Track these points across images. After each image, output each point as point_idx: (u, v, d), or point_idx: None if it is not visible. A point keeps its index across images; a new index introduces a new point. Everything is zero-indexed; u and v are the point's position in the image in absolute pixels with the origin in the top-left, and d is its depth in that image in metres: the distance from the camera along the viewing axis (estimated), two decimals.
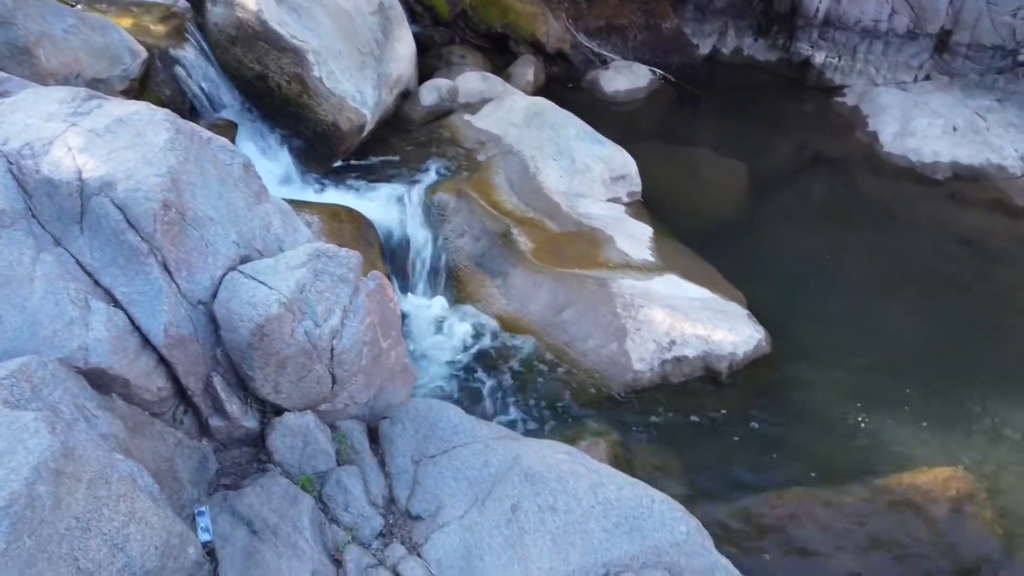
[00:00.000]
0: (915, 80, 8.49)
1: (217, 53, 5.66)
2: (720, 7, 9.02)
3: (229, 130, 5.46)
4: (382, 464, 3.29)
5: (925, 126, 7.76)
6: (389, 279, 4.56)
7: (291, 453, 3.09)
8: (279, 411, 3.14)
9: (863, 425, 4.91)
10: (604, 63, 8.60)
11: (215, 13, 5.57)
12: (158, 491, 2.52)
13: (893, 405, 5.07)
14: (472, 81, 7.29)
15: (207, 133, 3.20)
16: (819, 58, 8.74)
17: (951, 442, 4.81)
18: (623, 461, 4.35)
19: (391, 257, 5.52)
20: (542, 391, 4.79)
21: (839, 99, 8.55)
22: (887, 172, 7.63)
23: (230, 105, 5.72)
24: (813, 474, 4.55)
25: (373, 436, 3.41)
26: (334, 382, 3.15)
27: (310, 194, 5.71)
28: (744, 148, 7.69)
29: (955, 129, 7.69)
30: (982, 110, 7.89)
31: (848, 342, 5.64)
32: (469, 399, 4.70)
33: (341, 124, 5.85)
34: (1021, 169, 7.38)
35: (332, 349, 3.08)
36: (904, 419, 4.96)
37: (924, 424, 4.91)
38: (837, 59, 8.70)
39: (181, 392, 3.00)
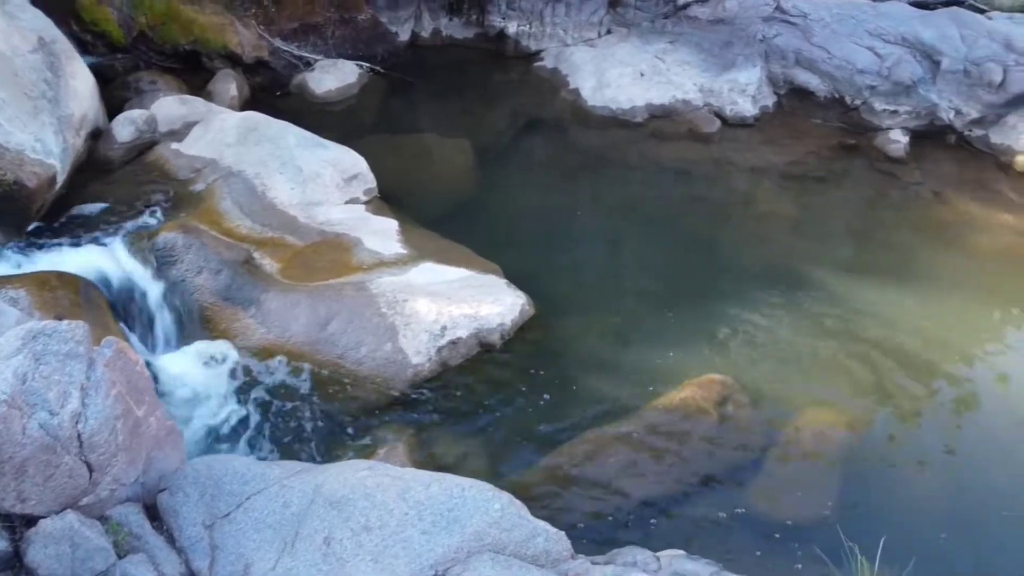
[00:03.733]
0: (599, 36, 9.20)
1: None
2: None
3: None
4: (171, 541, 2.99)
5: (617, 76, 8.45)
6: (127, 340, 4.13)
7: (59, 563, 2.70)
8: (32, 521, 2.73)
9: (632, 357, 5.31)
10: (308, 65, 8.37)
11: None
12: None
13: (654, 332, 5.52)
14: (170, 106, 6.75)
15: None
16: (512, 28, 9.16)
17: (709, 353, 5.35)
18: (425, 457, 4.34)
19: (126, 315, 5.00)
20: (326, 411, 4.63)
21: (539, 64, 9.04)
22: (595, 124, 8.23)
23: None
24: (601, 414, 4.85)
25: (154, 514, 3.09)
26: (91, 471, 2.79)
27: (7, 268, 4.99)
28: (465, 125, 7.90)
29: (642, 75, 8.47)
30: (660, 53, 8.75)
31: (602, 284, 6.06)
32: (251, 443, 4.41)
33: (26, 181, 5.15)
34: (701, 100, 8.30)
35: (79, 435, 2.72)
36: (666, 342, 5.43)
37: (684, 342, 5.41)
38: (529, 27, 9.18)
39: None
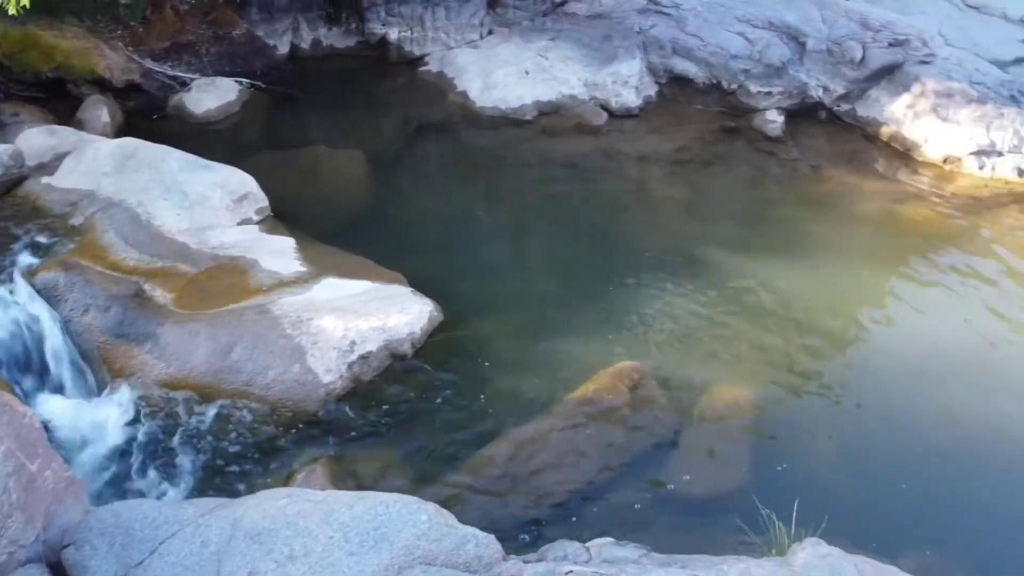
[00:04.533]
0: (481, 37, 9.24)
1: None
2: (283, 3, 8.91)
3: None
4: None
5: (503, 76, 8.51)
6: (14, 392, 3.87)
7: None
8: None
9: (544, 352, 5.36)
10: (184, 85, 8.06)
11: None
12: None
13: (562, 325, 5.60)
14: (37, 138, 6.37)
15: None
16: (394, 34, 9.09)
17: (618, 340, 5.46)
18: (347, 477, 4.26)
19: (11, 364, 4.68)
20: (238, 442, 4.47)
21: (423, 68, 9.00)
22: (485, 124, 8.26)
23: None
24: (518, 413, 4.87)
25: (60, 571, 2.91)
26: None
27: None
28: (354, 135, 7.79)
29: (527, 73, 8.55)
30: (543, 51, 8.86)
31: (507, 283, 6.10)
32: (161, 484, 4.22)
33: None
34: (587, 94, 8.46)
35: None
36: (576, 334, 5.51)
37: (593, 333, 5.51)
38: (410, 32, 9.13)
39: None
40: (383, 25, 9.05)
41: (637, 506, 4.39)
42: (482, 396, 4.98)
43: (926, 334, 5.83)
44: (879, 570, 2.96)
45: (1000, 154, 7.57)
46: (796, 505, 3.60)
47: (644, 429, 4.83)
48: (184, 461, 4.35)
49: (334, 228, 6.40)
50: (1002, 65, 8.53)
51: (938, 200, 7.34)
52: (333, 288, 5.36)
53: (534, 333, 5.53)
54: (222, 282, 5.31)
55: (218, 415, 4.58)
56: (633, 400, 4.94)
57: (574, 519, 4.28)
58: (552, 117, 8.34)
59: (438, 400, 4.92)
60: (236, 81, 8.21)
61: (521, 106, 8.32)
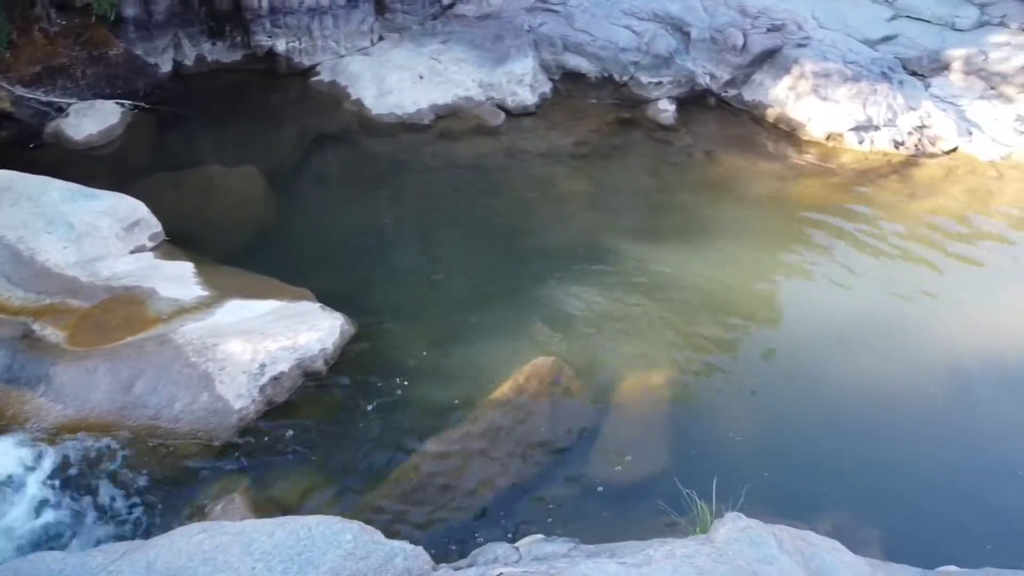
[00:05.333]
0: (372, 43, 9.13)
1: None
2: (161, 20, 8.57)
3: None
4: None
5: (397, 81, 8.44)
6: None
7: None
8: None
9: (461, 355, 5.35)
10: (61, 111, 7.67)
11: None
12: None
13: (478, 326, 5.60)
14: None
15: None
16: (281, 46, 8.88)
17: (533, 337, 5.50)
18: (267, 503, 4.13)
19: None
20: (148, 479, 4.28)
21: (315, 78, 8.83)
22: (384, 131, 8.17)
23: None
24: (439, 419, 4.84)
25: None
26: None
27: None
28: (249, 151, 7.57)
29: (421, 77, 8.51)
30: (435, 54, 8.83)
31: (418, 289, 6.05)
32: (69, 534, 3.99)
33: None
34: (483, 95, 8.47)
35: None
36: (491, 334, 5.52)
37: (508, 331, 5.54)
38: (298, 42, 8.93)
39: None
40: (269, 37, 8.84)
41: (564, 500, 4.43)
42: (401, 406, 4.93)
43: (826, 305, 6.10)
44: (796, 536, 3.06)
45: (877, 128, 7.99)
46: (715, 482, 3.71)
47: (565, 422, 4.88)
48: (89, 506, 4.13)
49: (235, 249, 6.21)
50: (872, 44, 8.99)
51: (825, 175, 7.68)
52: (238, 310, 5.20)
53: (449, 337, 5.51)
54: (118, 314, 5.08)
55: (125, 453, 4.37)
56: (552, 395, 4.99)
57: (503, 520, 4.29)
58: (450, 120, 8.32)
59: (357, 415, 4.84)
60: (117, 103, 7.87)
61: (418, 111, 8.27)
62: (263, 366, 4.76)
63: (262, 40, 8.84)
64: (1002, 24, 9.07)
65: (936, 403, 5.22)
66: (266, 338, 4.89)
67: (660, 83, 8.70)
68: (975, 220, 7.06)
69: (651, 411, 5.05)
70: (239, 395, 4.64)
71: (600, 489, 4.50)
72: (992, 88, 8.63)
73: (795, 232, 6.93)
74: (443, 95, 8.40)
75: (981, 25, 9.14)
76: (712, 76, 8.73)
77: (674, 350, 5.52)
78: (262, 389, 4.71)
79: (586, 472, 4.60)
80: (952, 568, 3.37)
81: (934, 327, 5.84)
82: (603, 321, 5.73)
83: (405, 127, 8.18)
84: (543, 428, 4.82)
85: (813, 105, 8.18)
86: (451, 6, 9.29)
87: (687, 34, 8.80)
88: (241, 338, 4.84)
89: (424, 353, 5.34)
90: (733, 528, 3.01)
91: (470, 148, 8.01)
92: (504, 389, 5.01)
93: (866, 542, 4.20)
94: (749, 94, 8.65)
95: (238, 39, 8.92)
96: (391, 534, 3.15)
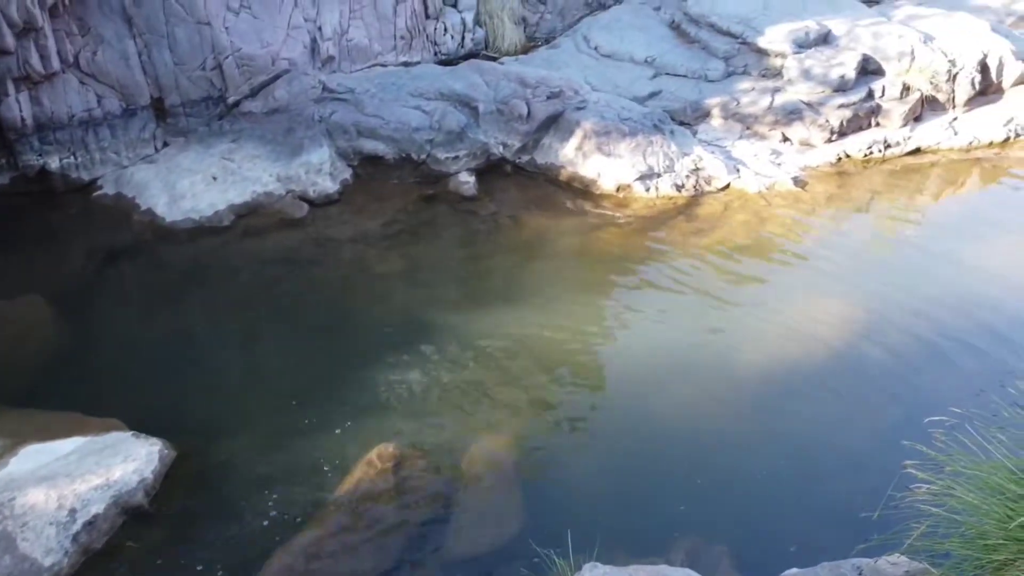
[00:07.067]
0: (157, 150, 8.77)
1: None
2: None
3: None
4: None
5: (189, 185, 8.13)
6: None
7: None
8: None
9: (297, 457, 5.12)
10: None
11: None
12: None
13: (312, 425, 5.40)
14: None
15: None
16: (55, 163, 8.32)
17: (371, 424, 5.38)
18: None
19: None
20: None
21: (98, 192, 8.32)
22: (181, 238, 7.80)
23: None
24: (282, 528, 4.58)
25: None
26: None
27: None
28: (29, 280, 6.96)
29: (215, 178, 8.25)
30: (226, 153, 8.61)
31: (242, 397, 5.76)
32: None
33: None
34: (283, 188, 8.33)
35: None
36: (327, 430, 5.35)
37: (345, 424, 5.40)
38: (74, 157, 8.42)
39: None
40: (40, 155, 8.25)
41: None
42: (238, 524, 4.62)
43: (643, 344, 6.44)
44: (652, 572, 3.17)
45: (659, 175, 8.68)
46: (570, 536, 3.76)
47: (415, 504, 4.79)
48: None
49: (25, 387, 5.64)
50: (641, 100, 9.83)
51: (621, 224, 8.21)
52: (36, 455, 4.71)
53: (282, 440, 5.26)
54: None
55: None
56: (397, 480, 4.88)
57: None
58: (252, 217, 8.10)
59: (189, 544, 4.48)
60: None
61: (216, 212, 7.99)
62: (73, 512, 4.31)
63: (31, 159, 8.24)
64: (745, 72, 10.23)
65: (755, 417, 5.62)
66: (73, 480, 4.44)
67: (457, 157, 8.99)
68: (755, 244, 7.79)
69: (499, 477, 5.06)
70: (49, 550, 4.16)
71: (458, 564, 4.43)
72: (748, 128, 9.67)
73: (603, 280, 7.32)
74: (240, 193, 8.19)
75: (729, 75, 10.26)
76: (504, 145, 9.14)
77: (510, 413, 5.59)
78: (75, 538, 4.25)
79: (442, 551, 4.52)
80: (794, 571, 3.59)
81: (739, 345, 6.32)
82: (437, 396, 5.72)
83: (204, 231, 7.86)
84: (392, 515, 4.70)
85: (600, 161, 8.77)
86: (236, 104, 9.14)
87: (475, 109, 9.19)
88: (43, 486, 4.37)
89: (257, 461, 5.07)
90: None
91: (276, 243, 7.83)
92: (346, 484, 4.85)
93: (718, 560, 4.41)
94: (541, 157, 9.12)
95: (3, 160, 8.25)
96: None
